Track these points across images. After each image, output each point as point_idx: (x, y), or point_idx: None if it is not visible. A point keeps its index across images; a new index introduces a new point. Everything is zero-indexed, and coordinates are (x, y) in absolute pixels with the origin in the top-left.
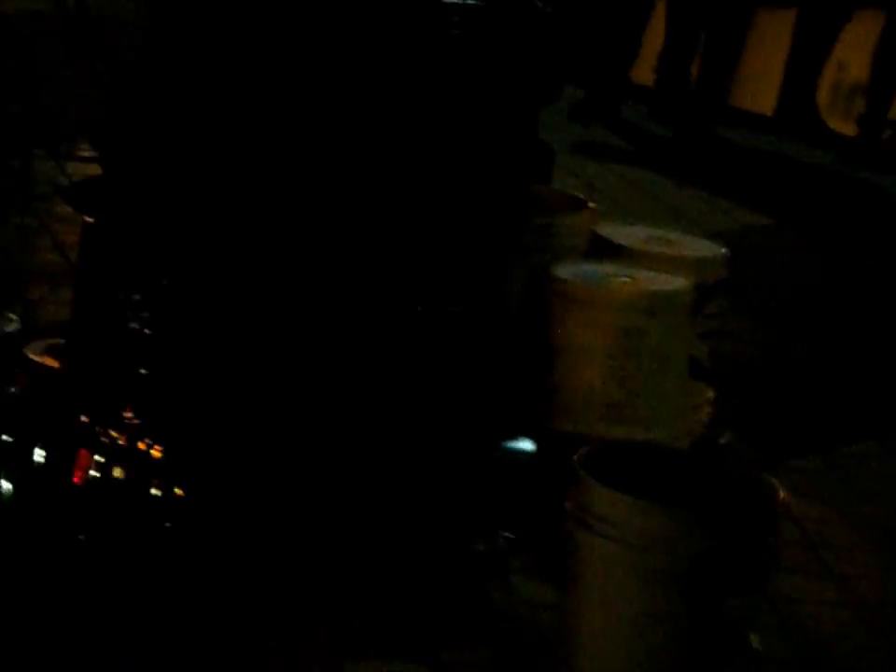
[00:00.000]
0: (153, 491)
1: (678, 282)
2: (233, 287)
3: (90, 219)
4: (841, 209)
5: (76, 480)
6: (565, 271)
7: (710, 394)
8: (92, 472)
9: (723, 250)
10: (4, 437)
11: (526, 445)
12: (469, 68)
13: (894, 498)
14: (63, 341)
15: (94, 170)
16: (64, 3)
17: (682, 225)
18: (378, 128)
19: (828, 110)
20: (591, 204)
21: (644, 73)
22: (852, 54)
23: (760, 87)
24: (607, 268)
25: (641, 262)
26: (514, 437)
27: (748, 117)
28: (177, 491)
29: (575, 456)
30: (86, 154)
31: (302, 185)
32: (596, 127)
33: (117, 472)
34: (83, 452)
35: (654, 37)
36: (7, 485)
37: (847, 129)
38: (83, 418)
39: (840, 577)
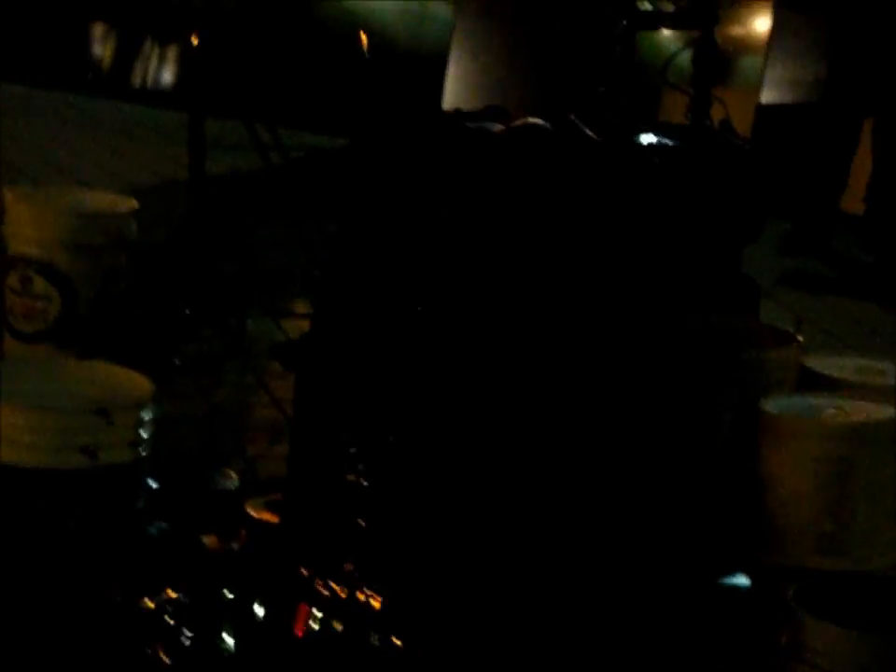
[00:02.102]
0: (372, 641)
1: (887, 411)
2: (453, 438)
3: (301, 376)
4: None
5: (297, 633)
6: (773, 404)
7: None
8: (313, 625)
9: None
10: (226, 592)
11: (742, 580)
12: (667, 210)
13: None
14: (281, 496)
15: (308, 326)
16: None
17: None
18: (594, 280)
19: None
20: (799, 337)
21: (854, 201)
22: None
23: None
24: (816, 400)
25: (851, 394)
26: (730, 572)
27: None
28: (396, 641)
29: (789, 591)
30: (302, 311)
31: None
32: (807, 259)
33: (336, 624)
34: (303, 605)
35: (863, 164)
36: (230, 641)
37: None
38: (303, 571)
39: None
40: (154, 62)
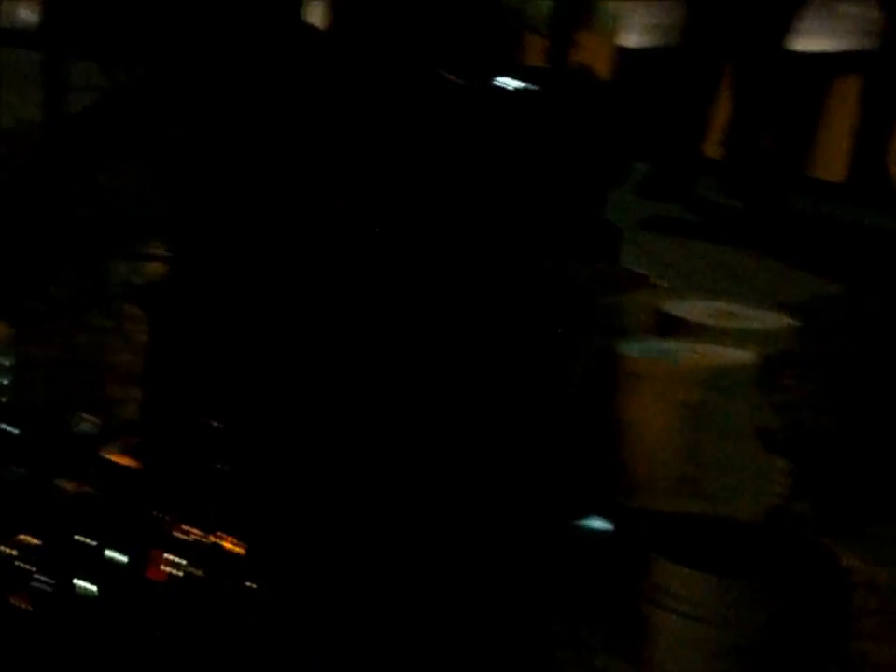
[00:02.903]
0: (229, 585)
1: (743, 355)
2: (307, 375)
3: (156, 319)
4: None
5: (154, 578)
6: (630, 348)
7: (784, 466)
8: (171, 570)
9: (791, 321)
10: (81, 537)
11: (598, 523)
12: (528, 154)
13: None
14: (138, 440)
15: (165, 269)
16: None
17: (755, 297)
18: (443, 217)
19: None
20: (657, 281)
21: (715, 145)
22: None
23: (830, 154)
24: (673, 344)
25: (706, 337)
26: (586, 515)
27: (819, 185)
28: (254, 586)
29: (645, 533)
30: (158, 253)
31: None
32: (668, 202)
33: (193, 568)
34: (161, 550)
35: (724, 108)
36: (87, 586)
37: None
38: (159, 515)
39: None
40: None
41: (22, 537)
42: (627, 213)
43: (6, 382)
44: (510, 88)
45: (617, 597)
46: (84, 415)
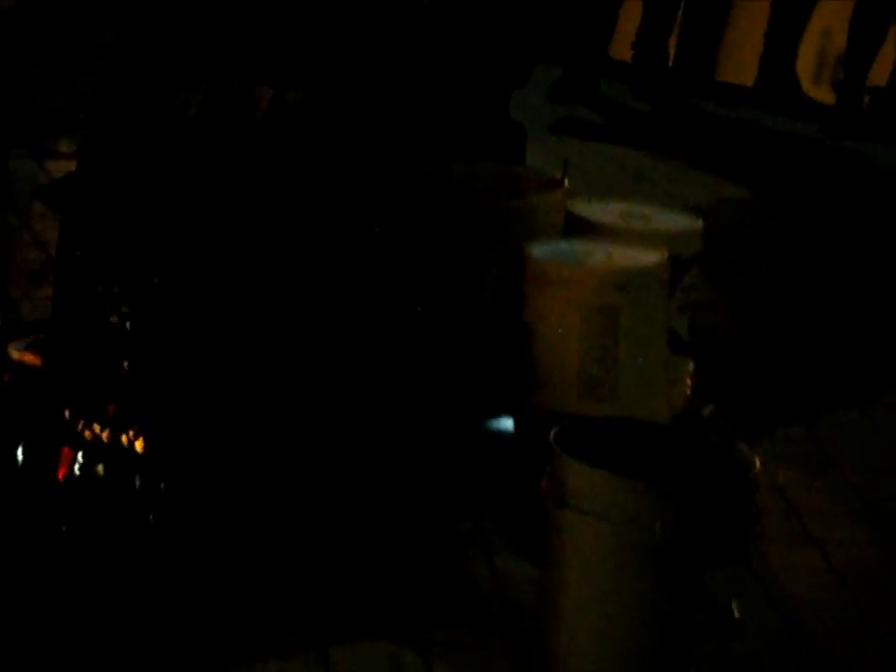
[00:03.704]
0: (135, 485)
1: (651, 257)
2: (215, 278)
3: (66, 216)
4: (823, 179)
5: (59, 476)
6: (539, 250)
7: (690, 367)
8: (76, 468)
9: (699, 223)
10: None
11: (506, 424)
12: (434, 47)
13: (873, 465)
14: (44, 338)
15: (72, 167)
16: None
17: (662, 200)
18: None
19: (807, 79)
20: (566, 183)
21: (622, 48)
22: (830, 22)
23: (739, 58)
24: (582, 246)
25: (616, 239)
26: (494, 416)
27: (728, 89)
28: (160, 485)
29: (551, 433)
30: (64, 151)
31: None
32: (576, 106)
33: (100, 468)
34: (66, 448)
35: (632, 12)
36: None
37: (828, 97)
38: (66, 414)
39: (821, 543)
40: None
41: None
42: (536, 116)
43: None
44: None
45: (522, 497)
46: None
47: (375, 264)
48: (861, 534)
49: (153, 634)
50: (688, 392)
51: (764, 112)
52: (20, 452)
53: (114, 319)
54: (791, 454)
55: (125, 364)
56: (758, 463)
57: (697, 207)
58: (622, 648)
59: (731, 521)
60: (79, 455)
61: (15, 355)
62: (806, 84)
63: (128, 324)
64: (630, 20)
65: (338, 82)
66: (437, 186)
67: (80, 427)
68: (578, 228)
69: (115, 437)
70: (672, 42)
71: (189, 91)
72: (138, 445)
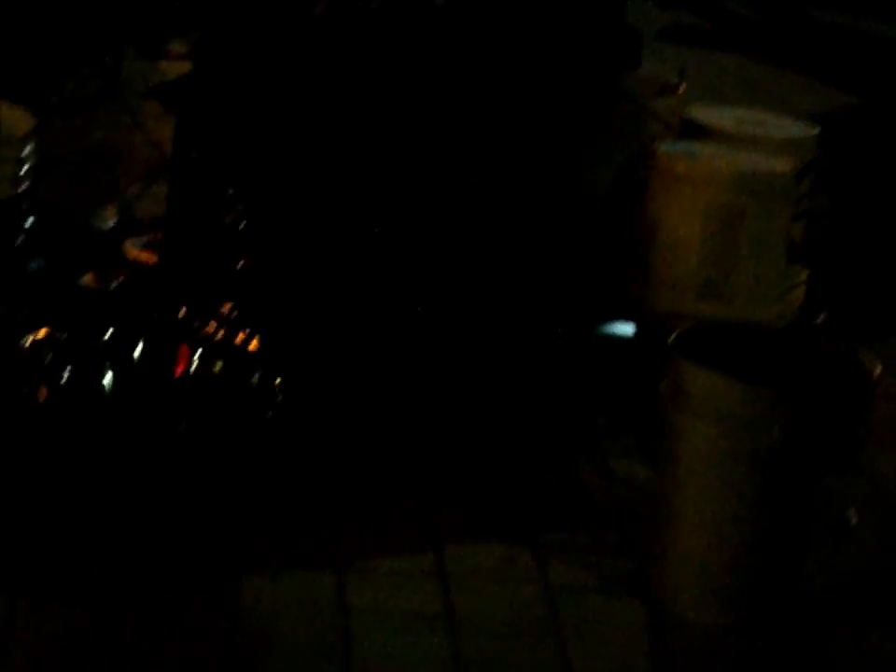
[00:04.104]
0: (252, 382)
1: (778, 163)
2: (332, 176)
3: (181, 116)
4: None
5: (176, 373)
6: (667, 148)
7: (805, 275)
8: (193, 365)
9: (815, 130)
10: (105, 332)
11: (624, 327)
12: None
13: None
14: (160, 236)
15: (186, 67)
16: None
17: (773, 107)
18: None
19: None
20: (681, 88)
21: None
22: None
23: None
24: (707, 148)
25: (734, 144)
26: (611, 318)
27: None
28: (276, 382)
29: (670, 337)
30: (178, 51)
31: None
32: (684, 12)
33: (215, 364)
34: (182, 345)
35: None
36: (108, 380)
37: None
38: (182, 312)
39: None
40: None
41: (45, 331)
42: (648, 23)
43: (29, 173)
44: None
45: (639, 401)
46: (106, 211)
47: (493, 168)
48: None
49: (275, 527)
50: (802, 300)
51: (875, 19)
52: (137, 349)
53: (229, 219)
54: None
55: (240, 263)
56: (878, 370)
57: (810, 115)
58: (733, 552)
59: (848, 427)
60: (196, 352)
61: (132, 253)
62: None
63: (243, 223)
64: None
65: None
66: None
67: (196, 325)
68: (694, 133)
69: (230, 335)
70: None
71: None
72: (253, 343)
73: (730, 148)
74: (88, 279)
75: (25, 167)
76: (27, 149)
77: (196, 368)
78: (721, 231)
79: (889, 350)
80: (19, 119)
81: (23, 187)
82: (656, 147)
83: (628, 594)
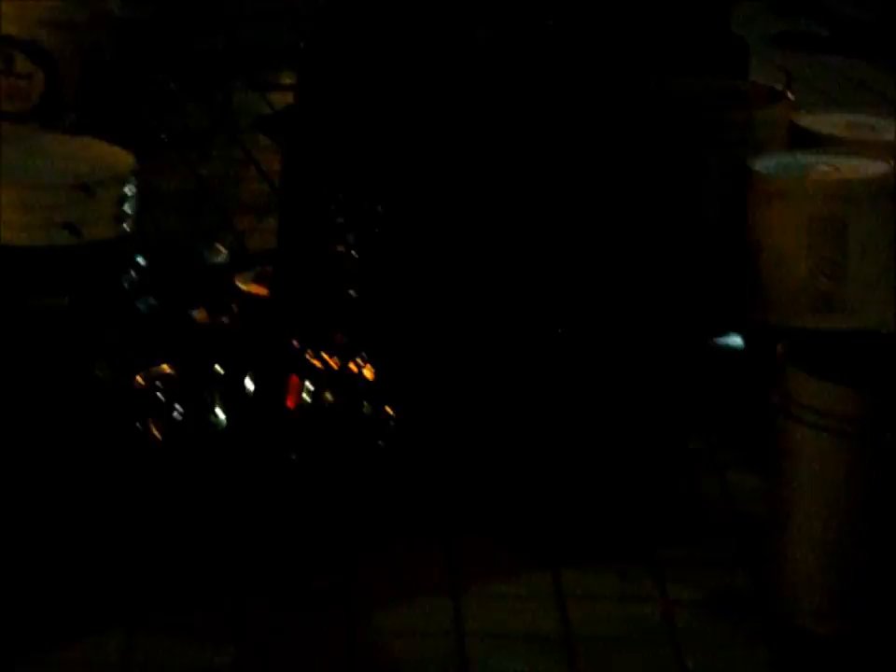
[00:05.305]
0: (365, 411)
1: (878, 167)
2: (442, 203)
3: (288, 147)
4: None
5: (289, 405)
6: (762, 164)
7: None
8: (305, 397)
9: None
10: (217, 367)
11: (736, 340)
12: None
13: None
14: (271, 269)
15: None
16: None
17: (886, 111)
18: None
19: None
20: (789, 95)
21: None
22: None
23: None
24: (807, 158)
25: (842, 150)
26: (724, 333)
27: None
28: (389, 411)
29: (780, 347)
30: (286, 82)
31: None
32: (799, 17)
33: (328, 395)
34: (294, 377)
35: None
36: (222, 415)
37: None
38: (294, 344)
39: None
40: None
41: (158, 368)
42: (758, 29)
43: (133, 212)
44: None
45: (751, 413)
46: (216, 246)
47: (608, 184)
48: None
49: (388, 552)
50: None
51: None
52: (249, 381)
53: (339, 248)
54: None
55: (351, 292)
56: None
57: None
58: (850, 562)
59: None
60: (308, 383)
61: (243, 286)
62: None
63: (353, 252)
64: None
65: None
66: (660, 100)
67: (309, 355)
68: (803, 140)
69: (343, 365)
70: None
71: None
72: (367, 373)
73: (835, 155)
74: (199, 314)
75: (127, 206)
76: (129, 188)
77: (308, 399)
78: (827, 241)
79: None
80: (118, 158)
81: (127, 225)
82: (751, 161)
83: (746, 607)
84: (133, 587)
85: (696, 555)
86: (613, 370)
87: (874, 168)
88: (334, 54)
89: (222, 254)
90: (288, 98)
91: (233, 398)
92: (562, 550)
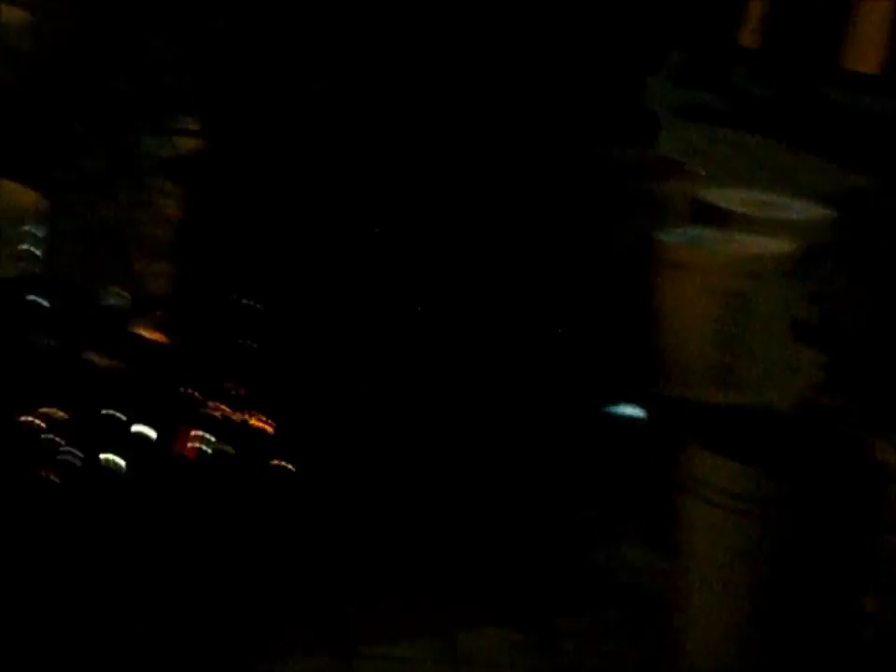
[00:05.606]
0: (260, 463)
1: (782, 245)
2: (341, 257)
3: (190, 194)
4: None
5: (185, 454)
6: (670, 236)
7: (818, 357)
8: (201, 446)
9: (829, 213)
10: (112, 412)
11: (634, 410)
12: (572, 39)
13: None
14: (169, 315)
15: (198, 143)
16: None
17: (788, 188)
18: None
19: None
20: (696, 170)
21: (750, 35)
22: None
23: (866, 46)
24: (712, 233)
25: (746, 227)
26: (622, 402)
27: (854, 76)
28: (285, 463)
29: (683, 424)
30: (191, 128)
31: None
32: (701, 91)
33: (225, 447)
34: (191, 426)
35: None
36: (117, 460)
37: None
38: (188, 391)
39: None
40: None
41: (51, 410)
42: (659, 100)
43: (37, 253)
44: None
45: (650, 487)
46: (114, 289)
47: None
48: None
49: (281, 622)
50: (815, 382)
51: (890, 99)
52: (140, 428)
53: (237, 297)
54: None
55: (248, 342)
56: (890, 455)
57: (822, 196)
58: (749, 639)
59: (862, 513)
60: (204, 432)
61: (141, 332)
62: None
63: (252, 303)
64: (757, 5)
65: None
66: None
67: (202, 404)
68: (707, 215)
69: (242, 416)
70: (799, 29)
71: None
72: (265, 426)
73: (736, 232)
74: (96, 358)
75: (30, 245)
76: (31, 227)
77: (203, 448)
78: (729, 316)
79: None
80: (22, 197)
81: (28, 265)
82: (660, 234)
83: None
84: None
85: (590, 626)
86: (508, 436)
87: (777, 245)
88: (238, 103)
89: (120, 297)
90: (192, 143)
91: (126, 443)
92: (459, 615)
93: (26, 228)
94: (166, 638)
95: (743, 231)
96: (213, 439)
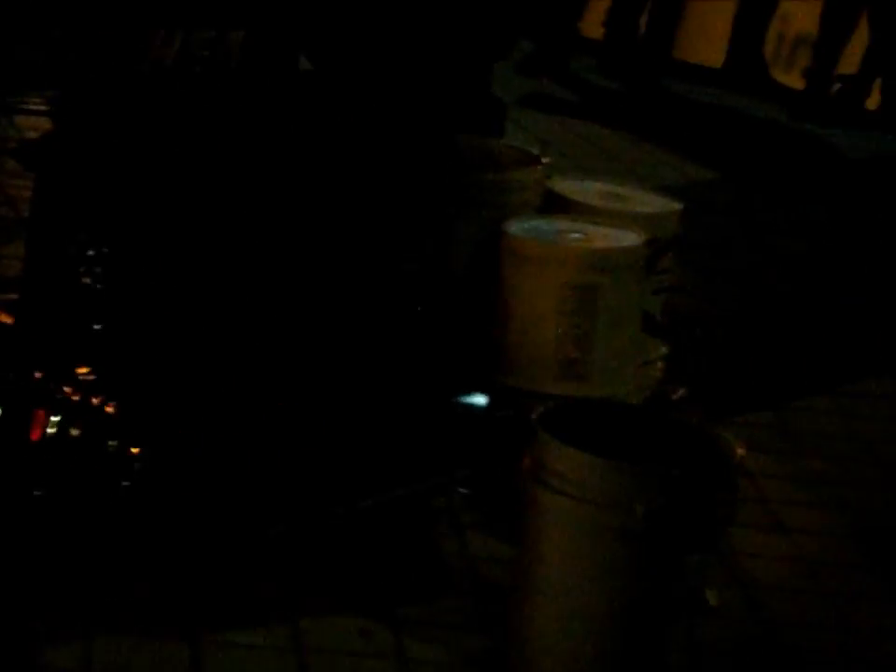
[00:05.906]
0: (108, 448)
1: (630, 238)
2: (191, 240)
3: (40, 175)
4: (789, 163)
5: (32, 437)
6: (516, 227)
7: (664, 350)
8: (48, 429)
9: (677, 205)
10: None
11: (480, 401)
12: (413, 27)
13: (841, 454)
14: (16, 297)
15: (45, 123)
16: None
17: (632, 179)
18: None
19: (775, 63)
20: (544, 159)
21: (593, 26)
22: (799, 7)
23: (707, 40)
24: (559, 224)
25: (594, 218)
26: (469, 393)
27: (696, 70)
28: (133, 449)
29: (533, 414)
30: (35, 107)
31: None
32: (545, 81)
33: (72, 430)
34: (38, 409)
35: None
36: None
37: (795, 82)
38: (37, 375)
39: (790, 531)
40: None
41: None
42: (505, 89)
43: None
44: None
45: (495, 474)
46: None
47: (355, 241)
48: (829, 523)
49: (125, 607)
50: (661, 375)
51: (732, 93)
52: None
53: (86, 280)
54: (760, 440)
55: (96, 325)
56: (739, 449)
57: (666, 188)
58: (594, 630)
59: (709, 506)
60: (52, 416)
61: None
62: (771, 67)
63: (100, 285)
64: None
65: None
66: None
67: (52, 387)
68: (557, 206)
69: (87, 399)
70: (642, 21)
71: (165, 42)
72: (110, 408)
73: (587, 223)
74: None
75: None
76: None
77: (52, 431)
78: (576, 308)
79: (746, 424)
80: None
81: None
82: (506, 224)
83: (483, 671)
84: None
85: (435, 616)
86: (351, 426)
87: (625, 238)
88: (89, 83)
89: None
90: (37, 123)
91: None
92: (303, 602)
93: None
94: None
95: (593, 223)
96: (57, 422)
